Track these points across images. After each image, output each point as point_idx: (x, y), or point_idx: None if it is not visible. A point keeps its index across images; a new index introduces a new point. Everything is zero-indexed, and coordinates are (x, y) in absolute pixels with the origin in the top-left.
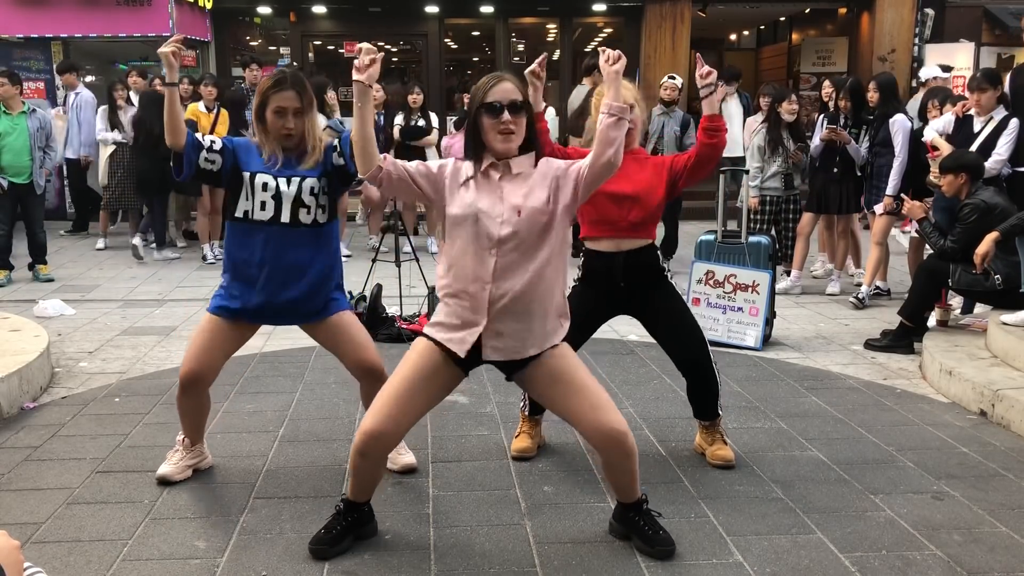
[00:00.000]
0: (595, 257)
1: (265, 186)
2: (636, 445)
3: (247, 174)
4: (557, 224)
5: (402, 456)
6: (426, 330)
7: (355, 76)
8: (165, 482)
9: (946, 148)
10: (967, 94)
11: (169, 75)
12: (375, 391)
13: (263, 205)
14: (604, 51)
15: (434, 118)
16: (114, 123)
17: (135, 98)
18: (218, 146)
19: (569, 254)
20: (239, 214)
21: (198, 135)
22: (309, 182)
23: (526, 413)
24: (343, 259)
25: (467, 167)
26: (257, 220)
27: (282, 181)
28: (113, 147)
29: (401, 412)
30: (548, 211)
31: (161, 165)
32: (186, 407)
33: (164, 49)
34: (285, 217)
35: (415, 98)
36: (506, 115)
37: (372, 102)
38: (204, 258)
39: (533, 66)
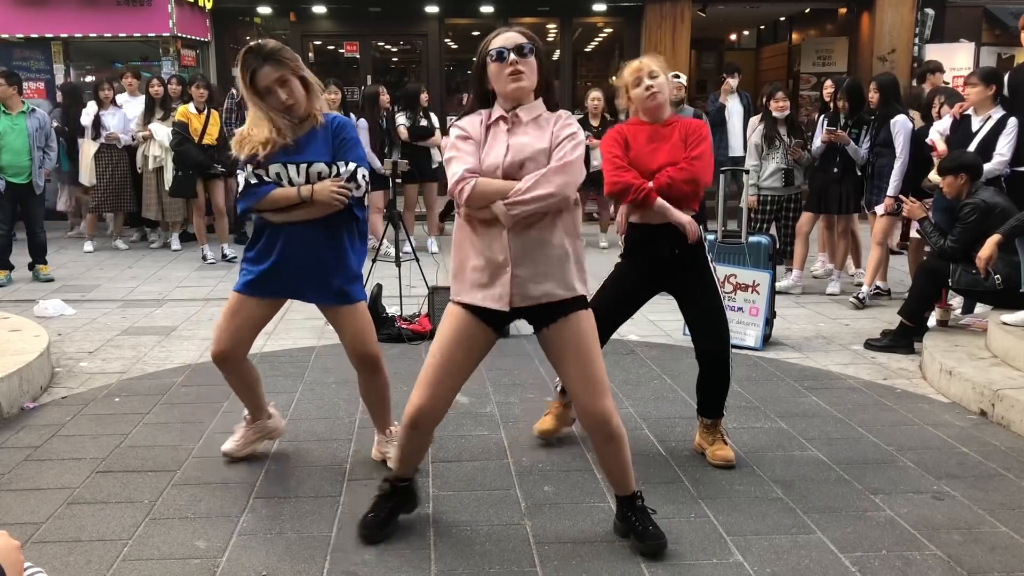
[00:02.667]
0: (638, 229)
1: (278, 176)
2: (624, 433)
3: (265, 166)
4: None
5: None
6: (457, 297)
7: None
8: (228, 457)
9: (943, 150)
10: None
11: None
12: (370, 384)
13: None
14: None
15: (434, 118)
16: (97, 123)
17: (121, 99)
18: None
19: (575, 199)
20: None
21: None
22: (317, 167)
23: (559, 391)
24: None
25: (480, 128)
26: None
27: (292, 168)
28: (96, 147)
29: (446, 381)
30: (544, 163)
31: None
32: (232, 383)
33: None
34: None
35: (426, 97)
36: (512, 56)
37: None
38: (204, 258)
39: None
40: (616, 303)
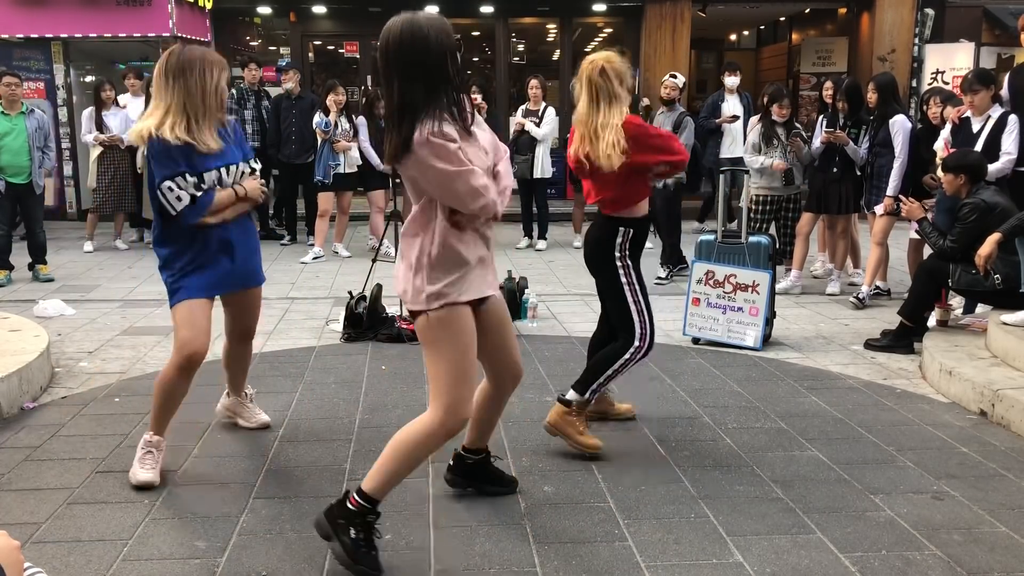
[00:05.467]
0: (640, 222)
1: (216, 181)
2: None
3: (200, 174)
4: None
5: (259, 415)
6: (455, 297)
7: None
8: (148, 487)
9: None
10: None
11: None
12: (239, 352)
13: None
14: None
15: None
16: (99, 125)
17: (123, 99)
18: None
19: None
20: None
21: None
22: (242, 167)
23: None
24: (343, 259)
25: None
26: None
27: (223, 171)
28: (100, 149)
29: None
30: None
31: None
32: (176, 392)
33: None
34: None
35: None
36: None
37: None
38: None
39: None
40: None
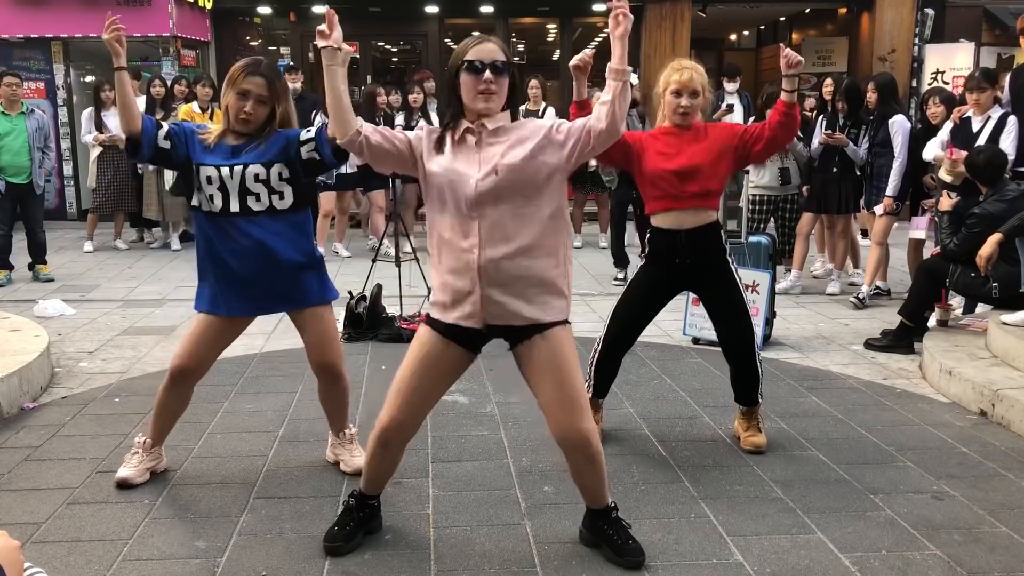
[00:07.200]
0: (659, 235)
1: (209, 179)
2: (601, 450)
3: (195, 165)
4: (546, 185)
5: (355, 458)
6: (432, 314)
7: (321, 43)
8: (126, 485)
9: (943, 158)
10: (966, 95)
11: (116, 60)
12: (329, 391)
13: (211, 198)
14: (616, 8)
15: (434, 117)
16: (99, 125)
17: None
18: (165, 130)
19: (569, 222)
20: (195, 203)
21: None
22: (253, 169)
23: (589, 395)
24: (343, 259)
25: (443, 135)
26: (208, 212)
27: (224, 171)
28: (100, 149)
29: (416, 401)
30: (530, 169)
31: None
32: (167, 402)
33: (106, 37)
34: (235, 207)
35: (415, 98)
36: (488, 74)
37: (342, 64)
38: None
39: (576, 60)
40: (641, 310)
